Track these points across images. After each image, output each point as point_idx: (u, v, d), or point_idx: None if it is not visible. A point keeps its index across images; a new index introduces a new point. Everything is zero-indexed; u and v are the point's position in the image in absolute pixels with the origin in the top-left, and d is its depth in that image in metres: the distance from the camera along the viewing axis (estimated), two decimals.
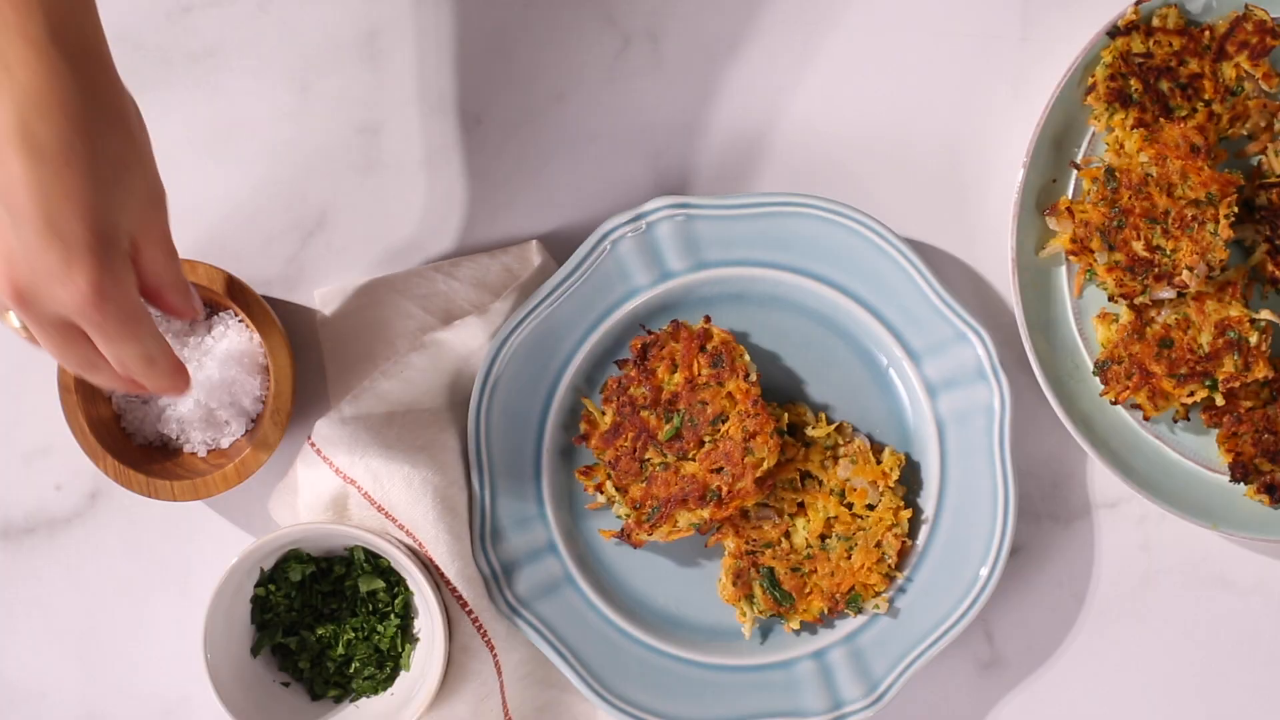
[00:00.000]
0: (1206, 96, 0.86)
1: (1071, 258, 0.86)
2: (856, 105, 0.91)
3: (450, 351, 0.87)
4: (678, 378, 0.85)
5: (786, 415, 0.86)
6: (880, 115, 0.91)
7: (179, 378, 0.72)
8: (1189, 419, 0.88)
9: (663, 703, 0.87)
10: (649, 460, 0.85)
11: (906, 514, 0.86)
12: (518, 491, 0.87)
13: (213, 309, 0.87)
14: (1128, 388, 0.86)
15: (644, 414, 0.85)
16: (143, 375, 0.71)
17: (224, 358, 0.85)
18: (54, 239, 0.64)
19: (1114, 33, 0.86)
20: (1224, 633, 0.91)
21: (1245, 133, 0.88)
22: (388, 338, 0.89)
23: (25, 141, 0.62)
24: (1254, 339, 0.85)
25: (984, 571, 0.86)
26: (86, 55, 0.64)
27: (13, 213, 0.63)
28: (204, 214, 0.90)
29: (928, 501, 0.88)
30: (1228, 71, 0.86)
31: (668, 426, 0.84)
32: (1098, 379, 0.88)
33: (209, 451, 0.87)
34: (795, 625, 0.87)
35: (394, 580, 0.87)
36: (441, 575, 0.84)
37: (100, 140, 0.64)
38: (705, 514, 0.84)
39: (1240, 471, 0.87)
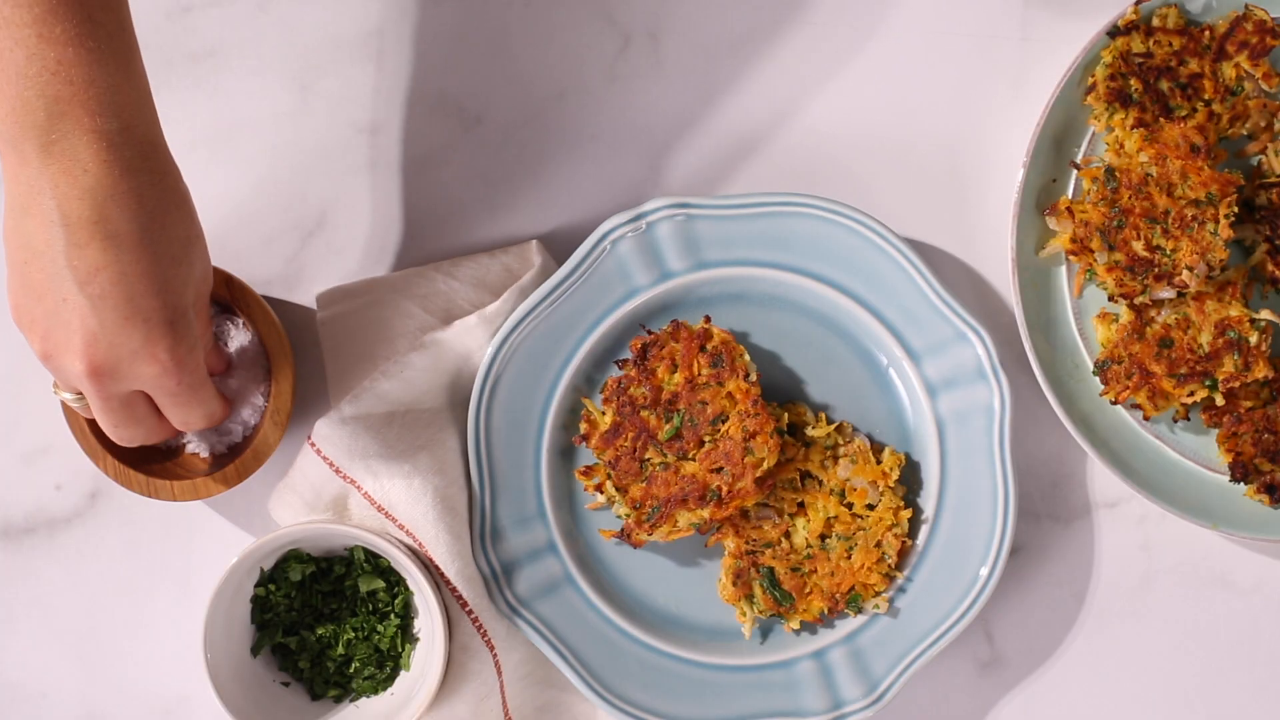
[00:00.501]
0: (1206, 96, 0.86)
1: (1071, 258, 0.86)
2: (856, 105, 0.91)
3: (450, 351, 0.87)
4: (678, 378, 0.85)
5: (786, 415, 0.86)
6: (880, 115, 0.91)
7: (229, 411, 0.81)
8: (1189, 419, 0.88)
9: (663, 703, 0.87)
10: (649, 460, 0.85)
11: (906, 514, 0.86)
12: (518, 491, 0.87)
13: (215, 310, 0.87)
14: (1128, 388, 0.86)
15: (644, 414, 0.85)
16: (200, 428, 0.78)
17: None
18: (136, 318, 0.69)
19: (1114, 33, 0.86)
20: (1224, 633, 0.91)
21: (1245, 133, 0.88)
22: (388, 338, 0.89)
23: (103, 229, 0.67)
24: (1254, 339, 0.85)
25: (984, 571, 0.86)
26: (153, 147, 0.69)
27: (93, 297, 0.68)
28: (204, 214, 0.90)
29: (928, 501, 0.88)
30: (1228, 71, 0.86)
31: (668, 426, 0.84)
32: (1098, 379, 0.88)
33: (209, 451, 0.87)
34: (795, 625, 0.87)
35: (394, 580, 0.87)
36: (441, 575, 0.84)
37: (168, 223, 0.69)
38: (705, 514, 0.84)
39: (1240, 471, 0.87)
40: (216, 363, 0.83)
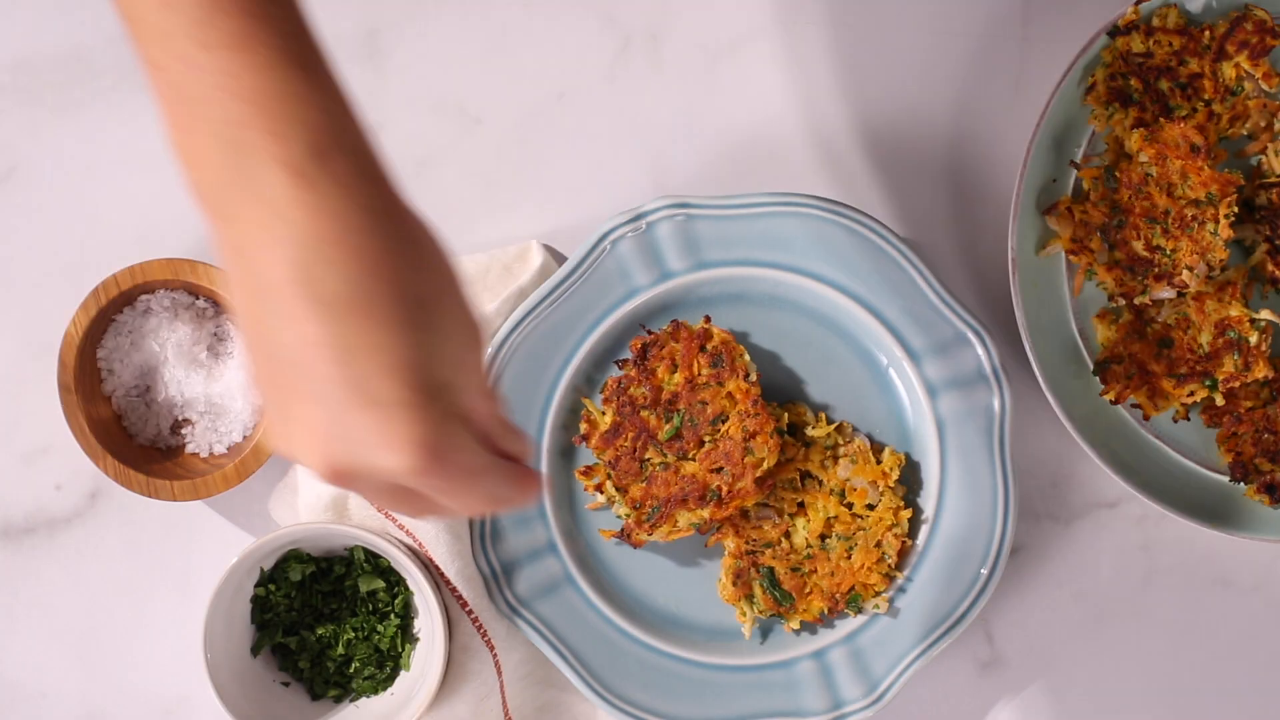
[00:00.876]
0: (1206, 96, 0.86)
1: (1071, 257, 0.86)
2: (856, 105, 0.91)
3: None
4: (678, 378, 0.85)
5: (786, 415, 0.86)
6: (880, 114, 0.91)
7: (534, 491, 0.60)
8: (1189, 419, 0.88)
9: (663, 703, 0.87)
10: (649, 460, 0.85)
11: (906, 514, 0.86)
12: None
13: (216, 310, 0.87)
14: (1128, 388, 0.86)
15: (644, 414, 0.85)
16: (492, 510, 0.59)
17: (226, 358, 0.85)
18: (366, 404, 0.52)
19: (1114, 32, 0.86)
20: (1224, 633, 0.91)
21: (1245, 133, 0.88)
22: None
23: (311, 292, 0.51)
24: (1254, 339, 0.85)
25: (984, 571, 0.86)
26: (362, 175, 0.53)
27: (312, 379, 0.52)
28: None
29: (928, 501, 0.88)
30: (1228, 71, 0.86)
31: (668, 426, 0.84)
32: (1098, 379, 0.88)
33: (209, 451, 0.87)
34: (795, 625, 0.87)
35: (394, 580, 0.87)
36: (441, 575, 0.84)
37: (399, 278, 0.53)
38: (705, 514, 0.84)
39: (1240, 471, 0.87)
40: (521, 451, 0.60)
